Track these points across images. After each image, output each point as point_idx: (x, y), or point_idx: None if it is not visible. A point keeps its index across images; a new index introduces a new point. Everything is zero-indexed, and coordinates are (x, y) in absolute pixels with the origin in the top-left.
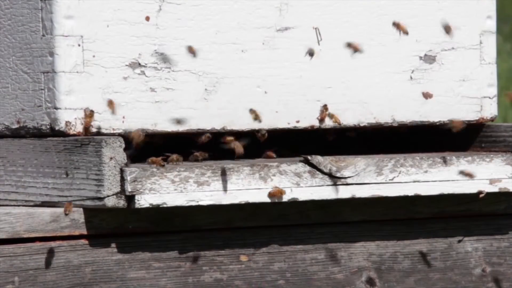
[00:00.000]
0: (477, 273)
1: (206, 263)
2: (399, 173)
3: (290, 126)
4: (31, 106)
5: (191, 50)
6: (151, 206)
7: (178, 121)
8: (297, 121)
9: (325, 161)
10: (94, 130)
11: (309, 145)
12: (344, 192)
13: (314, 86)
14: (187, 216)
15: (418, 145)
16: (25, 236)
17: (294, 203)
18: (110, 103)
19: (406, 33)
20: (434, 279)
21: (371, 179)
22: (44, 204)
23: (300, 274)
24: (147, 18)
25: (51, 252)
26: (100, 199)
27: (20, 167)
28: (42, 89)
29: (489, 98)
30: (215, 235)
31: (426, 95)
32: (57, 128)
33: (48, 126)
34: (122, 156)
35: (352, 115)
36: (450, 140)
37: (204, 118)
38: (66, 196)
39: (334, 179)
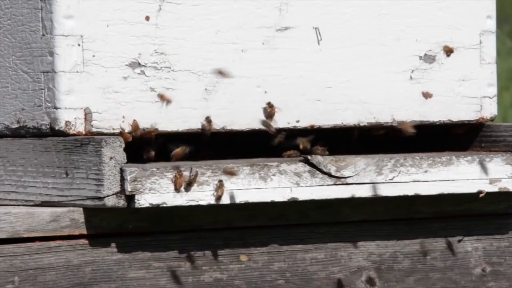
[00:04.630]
0: (477, 272)
1: (206, 263)
2: (399, 172)
3: (290, 126)
4: (31, 105)
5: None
6: (151, 205)
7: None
8: (297, 121)
9: (325, 161)
10: (94, 130)
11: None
12: (344, 192)
13: (314, 86)
14: (187, 216)
15: (418, 145)
16: (25, 235)
17: (294, 203)
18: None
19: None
20: (434, 278)
21: (371, 178)
22: (44, 204)
23: (300, 273)
24: (147, 18)
25: (51, 252)
26: (100, 198)
27: (20, 166)
28: (42, 89)
29: (489, 98)
30: (215, 235)
31: (426, 95)
32: (57, 128)
33: (48, 126)
34: (122, 156)
35: (352, 115)
36: (450, 140)
37: (204, 118)
38: (66, 196)
39: (334, 179)
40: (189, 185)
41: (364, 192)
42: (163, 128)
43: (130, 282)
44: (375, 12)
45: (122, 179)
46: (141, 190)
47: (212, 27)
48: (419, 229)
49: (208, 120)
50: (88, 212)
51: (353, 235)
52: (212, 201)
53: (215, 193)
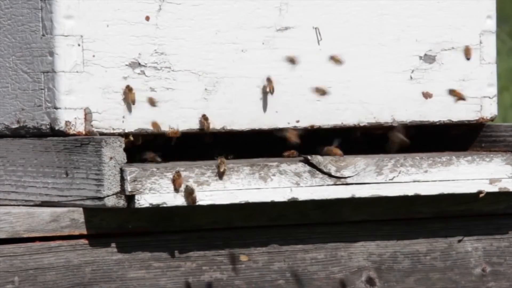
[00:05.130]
0: (477, 273)
1: (206, 263)
2: (399, 173)
3: (290, 126)
4: (31, 106)
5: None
6: (151, 206)
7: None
8: (297, 121)
9: (325, 161)
10: (94, 130)
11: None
12: (344, 192)
13: (314, 86)
14: (187, 216)
15: (418, 145)
16: (25, 236)
17: (294, 203)
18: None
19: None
20: (434, 279)
21: (371, 179)
22: (44, 204)
23: (300, 274)
24: (147, 18)
25: (51, 252)
26: (100, 199)
27: (20, 166)
28: (42, 89)
29: (489, 98)
30: (215, 235)
31: (426, 95)
32: (57, 128)
33: (48, 126)
34: (122, 156)
35: (352, 115)
36: (450, 140)
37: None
38: (66, 196)
39: (334, 179)
40: (189, 194)
41: (364, 192)
42: (163, 129)
43: (130, 282)
44: (375, 12)
45: (122, 179)
46: (141, 190)
47: (212, 27)
48: (419, 229)
49: (205, 117)
50: (88, 212)
51: (353, 235)
52: (212, 201)
53: (216, 170)
